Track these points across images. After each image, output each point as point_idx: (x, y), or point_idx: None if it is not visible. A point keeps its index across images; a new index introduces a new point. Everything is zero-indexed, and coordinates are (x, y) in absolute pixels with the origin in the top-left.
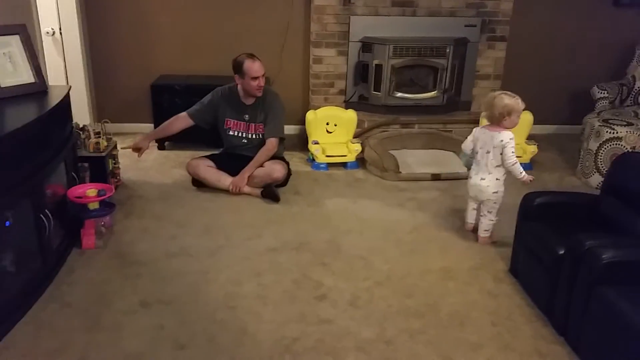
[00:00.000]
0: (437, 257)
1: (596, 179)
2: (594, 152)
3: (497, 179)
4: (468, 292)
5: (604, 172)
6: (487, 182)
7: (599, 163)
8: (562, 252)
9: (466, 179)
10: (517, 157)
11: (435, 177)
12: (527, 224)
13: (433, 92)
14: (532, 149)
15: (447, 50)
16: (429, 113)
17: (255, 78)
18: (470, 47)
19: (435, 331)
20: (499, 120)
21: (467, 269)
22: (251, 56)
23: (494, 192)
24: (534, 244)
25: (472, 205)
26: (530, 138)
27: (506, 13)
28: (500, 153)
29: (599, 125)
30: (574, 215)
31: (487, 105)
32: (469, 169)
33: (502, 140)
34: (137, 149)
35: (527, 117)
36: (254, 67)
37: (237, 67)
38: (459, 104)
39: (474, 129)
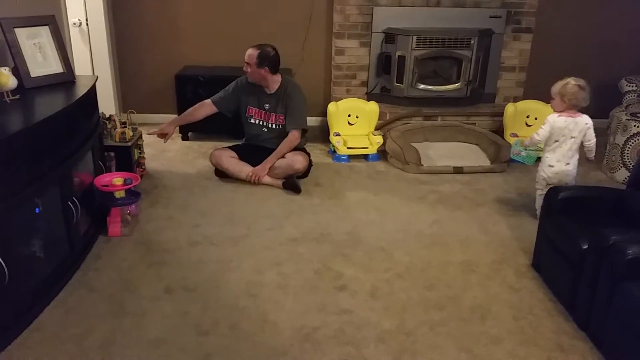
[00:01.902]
0: (458, 250)
1: (622, 174)
2: (621, 146)
3: (576, 160)
4: (489, 285)
5: (631, 166)
6: (571, 166)
7: (626, 157)
8: (585, 246)
9: (489, 172)
10: (542, 150)
11: (458, 170)
12: (550, 218)
13: (456, 84)
14: None
15: (472, 42)
16: (452, 105)
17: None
18: (495, 38)
19: (455, 324)
20: (576, 106)
21: (488, 263)
22: (255, 45)
23: (575, 174)
24: (558, 239)
25: (541, 192)
26: None
27: (532, 4)
28: (583, 135)
29: (627, 119)
30: (598, 210)
31: (573, 94)
32: (527, 161)
33: (587, 123)
34: (163, 135)
35: (552, 110)
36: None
37: None
38: (483, 96)
39: (550, 120)
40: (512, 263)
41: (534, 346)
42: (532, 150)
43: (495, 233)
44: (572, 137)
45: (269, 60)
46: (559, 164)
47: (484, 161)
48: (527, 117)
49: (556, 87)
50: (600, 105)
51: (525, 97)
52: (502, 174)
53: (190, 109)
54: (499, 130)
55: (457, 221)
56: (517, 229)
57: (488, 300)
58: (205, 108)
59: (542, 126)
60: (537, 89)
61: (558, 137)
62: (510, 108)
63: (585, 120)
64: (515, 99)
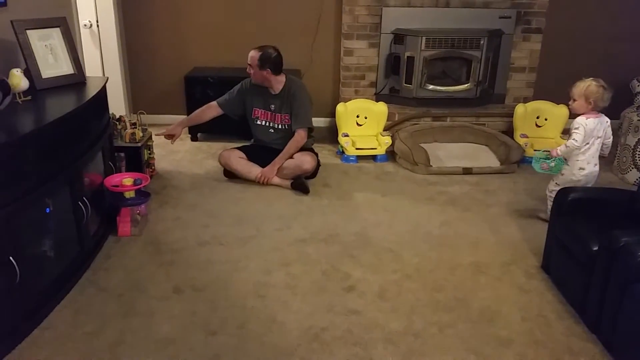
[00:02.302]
0: (467, 252)
1: (634, 175)
2: (632, 147)
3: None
4: (499, 287)
5: None
6: (598, 166)
7: (637, 158)
8: (596, 248)
9: (498, 173)
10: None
11: (467, 171)
12: (560, 220)
13: (466, 85)
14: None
15: (481, 42)
16: (462, 106)
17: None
18: (505, 39)
19: (464, 325)
20: (599, 106)
21: (498, 264)
22: (257, 47)
23: None
24: (568, 240)
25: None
26: (566, 132)
27: (543, 5)
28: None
29: (638, 120)
30: (609, 212)
31: (598, 95)
32: (551, 170)
33: (607, 122)
34: (170, 136)
35: (563, 111)
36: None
37: None
38: (493, 96)
39: (582, 123)
40: (522, 265)
41: (543, 348)
42: (558, 158)
43: (505, 234)
44: (599, 138)
45: (271, 61)
46: (589, 165)
47: (493, 162)
48: (537, 117)
49: (579, 89)
50: (611, 106)
51: (536, 97)
52: (512, 175)
53: (198, 110)
54: (509, 131)
55: (466, 222)
56: (526, 231)
57: (497, 302)
58: (211, 110)
59: (576, 131)
60: (548, 90)
61: (589, 139)
62: (520, 109)
63: (606, 119)
64: (525, 100)
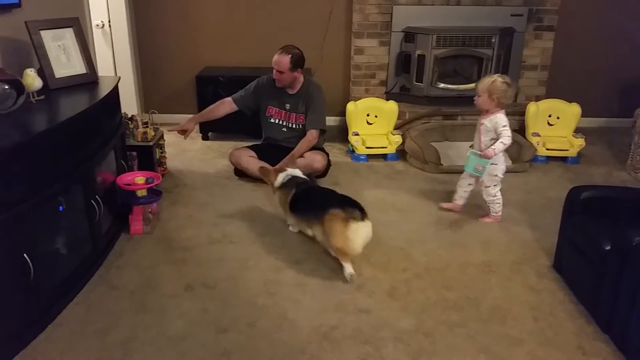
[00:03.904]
0: (478, 251)
1: None
2: None
3: None
4: (510, 286)
5: None
6: None
7: None
8: (608, 247)
9: (510, 172)
10: (564, 150)
11: None
12: (572, 219)
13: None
14: (580, 142)
15: (493, 40)
16: (473, 104)
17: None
18: (517, 36)
19: (475, 325)
20: (502, 104)
21: (509, 263)
22: (281, 50)
23: None
24: (580, 239)
25: (499, 191)
26: (578, 131)
27: (555, 2)
28: None
29: None
30: (622, 211)
31: (502, 92)
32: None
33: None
34: (183, 131)
35: (574, 110)
36: (273, 58)
37: None
38: None
39: (506, 120)
40: (533, 264)
41: (554, 348)
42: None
43: (516, 233)
44: None
45: (301, 60)
46: (502, 157)
47: (505, 161)
48: (549, 116)
49: (483, 85)
50: (625, 104)
51: (548, 96)
52: (523, 174)
53: (211, 106)
54: (521, 130)
55: (477, 221)
56: (538, 229)
57: (508, 301)
58: (225, 106)
59: (505, 128)
60: (560, 88)
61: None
62: (532, 107)
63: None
64: (537, 98)
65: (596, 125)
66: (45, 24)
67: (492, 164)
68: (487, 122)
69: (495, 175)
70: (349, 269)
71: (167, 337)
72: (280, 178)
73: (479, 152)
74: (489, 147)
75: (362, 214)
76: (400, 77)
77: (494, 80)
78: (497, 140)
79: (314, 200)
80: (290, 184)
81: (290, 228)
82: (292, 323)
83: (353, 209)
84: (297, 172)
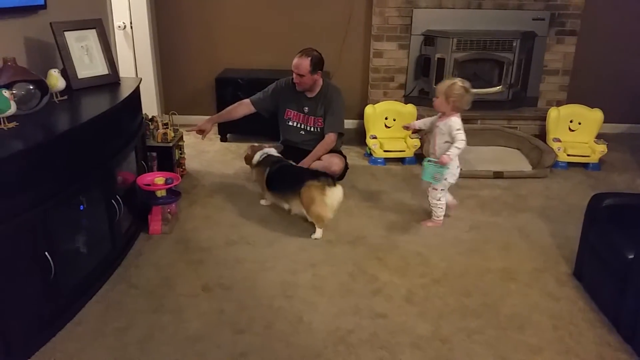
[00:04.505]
0: (497, 257)
1: None
2: None
3: None
4: (529, 294)
5: None
6: None
7: None
8: (632, 256)
9: (530, 177)
10: (585, 156)
11: (498, 175)
12: (594, 226)
13: (498, 87)
14: (601, 148)
15: (514, 44)
16: (493, 109)
17: (293, 72)
18: (538, 41)
19: (493, 332)
20: (458, 108)
21: (528, 271)
22: (301, 53)
23: None
24: (602, 247)
25: (445, 195)
26: (600, 137)
27: (578, 6)
28: None
29: None
30: None
31: (458, 96)
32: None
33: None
34: (201, 131)
35: (596, 115)
36: (293, 61)
37: None
38: (525, 99)
39: (460, 123)
40: (553, 271)
41: (574, 357)
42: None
43: (536, 240)
44: None
45: (320, 63)
46: (456, 162)
47: (525, 166)
48: (571, 121)
49: (442, 87)
50: None
51: (569, 101)
52: (544, 180)
53: (229, 107)
54: (542, 135)
55: (497, 227)
56: (558, 236)
57: (527, 309)
58: (243, 107)
59: (459, 132)
60: (582, 93)
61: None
62: (553, 112)
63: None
64: (559, 103)
65: (619, 131)
66: (70, 25)
67: (447, 168)
68: (442, 125)
69: (445, 179)
70: (319, 234)
71: (184, 337)
72: (257, 156)
73: (435, 160)
74: (444, 153)
75: (333, 180)
76: (419, 81)
77: (453, 84)
78: (452, 144)
79: (288, 177)
80: (266, 162)
81: (262, 202)
82: (308, 326)
83: (325, 177)
84: (273, 151)
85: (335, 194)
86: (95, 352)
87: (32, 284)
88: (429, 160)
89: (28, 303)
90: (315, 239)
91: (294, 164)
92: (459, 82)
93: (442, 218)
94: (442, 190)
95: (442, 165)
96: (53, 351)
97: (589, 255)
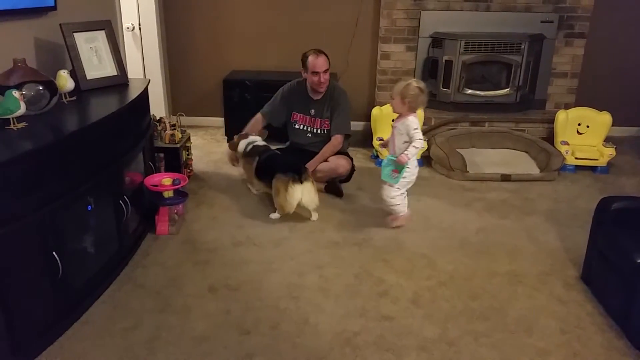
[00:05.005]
0: (504, 260)
1: None
2: None
3: None
4: (536, 297)
5: None
6: None
7: None
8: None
9: (538, 180)
10: (594, 159)
11: (505, 178)
12: (602, 230)
13: (505, 90)
14: (610, 151)
15: (522, 47)
16: (501, 111)
17: (315, 73)
18: (547, 43)
19: (500, 335)
20: (414, 108)
21: (536, 274)
22: (317, 52)
23: None
24: (610, 251)
25: (404, 195)
26: (608, 140)
27: (587, 9)
28: None
29: None
30: None
31: (413, 96)
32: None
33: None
34: (234, 160)
35: (605, 118)
36: (314, 62)
37: (303, 62)
38: (533, 102)
39: (417, 123)
40: (561, 275)
41: None
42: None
43: (544, 243)
44: None
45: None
46: (414, 161)
47: (533, 169)
48: (579, 124)
49: (397, 88)
50: None
51: (577, 104)
52: (552, 183)
53: (247, 126)
54: (549, 138)
55: (504, 230)
56: (566, 240)
57: (535, 312)
58: (258, 123)
59: (416, 131)
60: (590, 96)
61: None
62: (561, 115)
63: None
64: (567, 106)
65: (627, 135)
66: (79, 27)
67: (406, 167)
68: (399, 125)
69: (404, 178)
70: (276, 215)
71: (191, 337)
72: (243, 145)
73: (394, 158)
74: (402, 153)
75: (300, 177)
76: (426, 83)
77: (408, 84)
78: (410, 144)
79: (270, 166)
80: (253, 152)
81: (254, 191)
82: (314, 328)
83: (294, 174)
84: (257, 140)
85: (297, 191)
86: (102, 352)
87: (39, 283)
88: (387, 159)
89: (35, 302)
90: (273, 218)
91: (278, 152)
92: (414, 83)
93: (406, 211)
94: (398, 189)
95: (400, 164)
96: (60, 350)
97: (596, 259)
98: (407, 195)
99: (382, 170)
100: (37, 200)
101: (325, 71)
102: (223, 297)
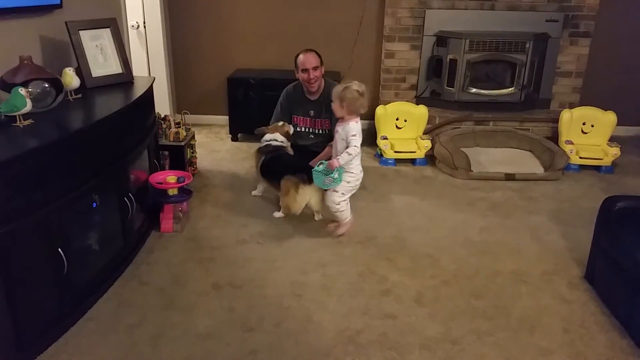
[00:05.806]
0: (508, 259)
1: None
2: None
3: None
4: (540, 296)
5: None
6: None
7: None
8: None
9: (542, 180)
10: (598, 159)
11: (509, 177)
12: (606, 229)
13: (510, 89)
14: (614, 151)
15: (527, 46)
16: (505, 110)
17: (305, 70)
18: (551, 42)
19: (504, 334)
20: (354, 112)
21: (540, 273)
22: (306, 50)
23: None
24: (614, 251)
25: (346, 201)
26: (613, 140)
27: (592, 7)
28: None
29: None
30: None
31: (352, 100)
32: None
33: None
34: None
35: (610, 118)
36: (303, 60)
37: (295, 62)
38: (538, 101)
39: (358, 129)
40: (564, 274)
41: None
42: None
43: (548, 243)
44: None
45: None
46: (359, 167)
47: (537, 168)
48: (584, 124)
49: (336, 91)
50: None
51: (582, 103)
52: (556, 182)
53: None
54: (554, 137)
55: (508, 229)
56: (570, 239)
57: (538, 312)
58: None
59: (354, 137)
60: (595, 96)
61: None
62: (565, 114)
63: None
64: (571, 105)
65: (632, 134)
66: (85, 25)
67: (349, 172)
68: (340, 129)
69: (348, 182)
70: (280, 214)
71: (195, 335)
72: (263, 139)
73: (325, 162)
74: (334, 158)
75: (309, 179)
76: (431, 82)
77: (347, 87)
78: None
79: (277, 167)
80: (263, 150)
81: (254, 192)
82: (317, 325)
83: (302, 175)
84: (275, 137)
85: (306, 193)
86: (107, 348)
87: (45, 280)
88: (319, 164)
89: (41, 299)
90: (277, 217)
91: (288, 153)
92: (353, 86)
93: (349, 218)
94: (342, 194)
95: (331, 169)
96: (65, 347)
97: (600, 259)
98: (349, 201)
99: (315, 177)
100: (43, 197)
101: (315, 68)
102: (227, 294)
